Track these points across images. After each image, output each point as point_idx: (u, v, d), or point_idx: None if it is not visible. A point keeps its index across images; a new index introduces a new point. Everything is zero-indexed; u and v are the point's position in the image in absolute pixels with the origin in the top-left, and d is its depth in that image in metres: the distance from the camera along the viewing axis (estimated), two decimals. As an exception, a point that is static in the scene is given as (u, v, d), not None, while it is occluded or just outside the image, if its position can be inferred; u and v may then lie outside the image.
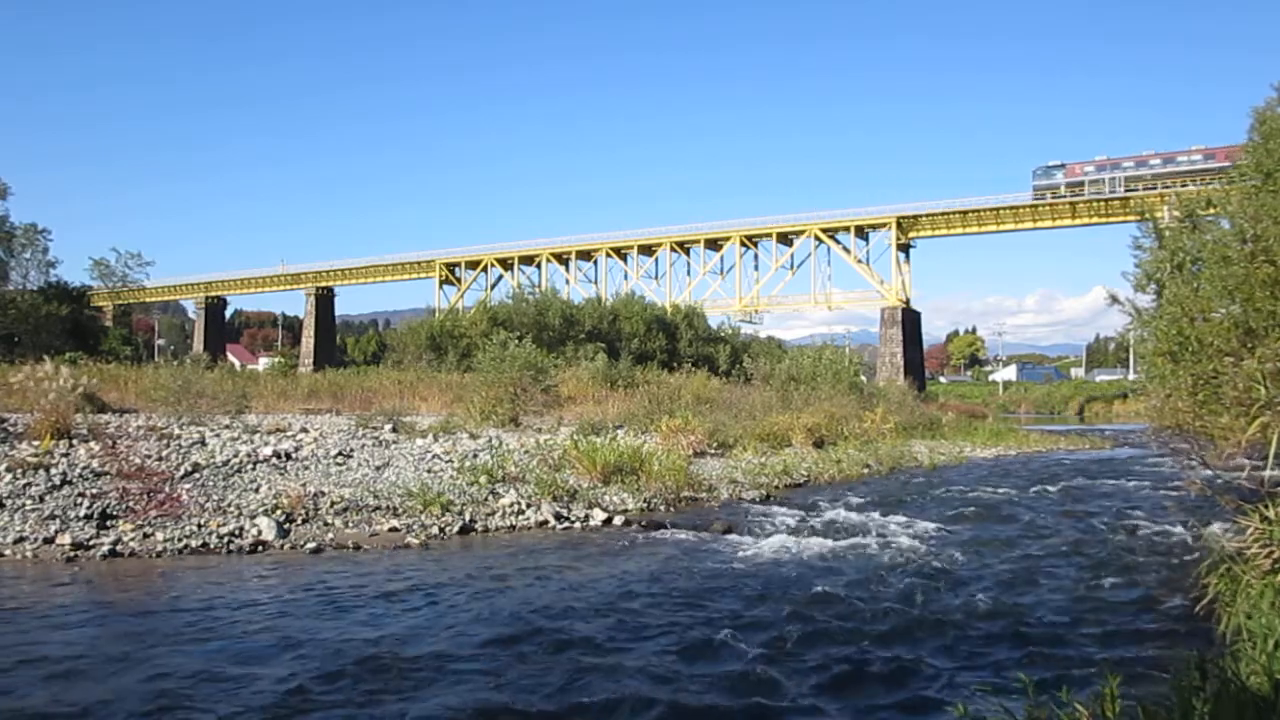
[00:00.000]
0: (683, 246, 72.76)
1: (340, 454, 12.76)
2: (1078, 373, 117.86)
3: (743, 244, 70.23)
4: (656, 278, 73.51)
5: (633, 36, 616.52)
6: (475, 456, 13.28)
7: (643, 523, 11.06)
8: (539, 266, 77.21)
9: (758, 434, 19.01)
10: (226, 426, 14.52)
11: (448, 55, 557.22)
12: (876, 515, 11.61)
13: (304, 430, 14.68)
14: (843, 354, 37.07)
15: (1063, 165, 59.37)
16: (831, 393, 27.52)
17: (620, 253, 74.58)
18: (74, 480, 9.95)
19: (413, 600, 7.05)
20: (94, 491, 9.67)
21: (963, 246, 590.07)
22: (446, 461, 13.03)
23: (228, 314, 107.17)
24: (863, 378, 38.84)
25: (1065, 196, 59.15)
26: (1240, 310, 6.89)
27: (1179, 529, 10.34)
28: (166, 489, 10.02)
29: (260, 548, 8.90)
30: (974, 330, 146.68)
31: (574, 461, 13.28)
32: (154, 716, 4.58)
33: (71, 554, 8.21)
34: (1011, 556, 9.15)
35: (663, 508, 12.24)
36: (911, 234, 64.94)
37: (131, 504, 9.45)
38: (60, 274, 41.66)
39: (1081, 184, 58.43)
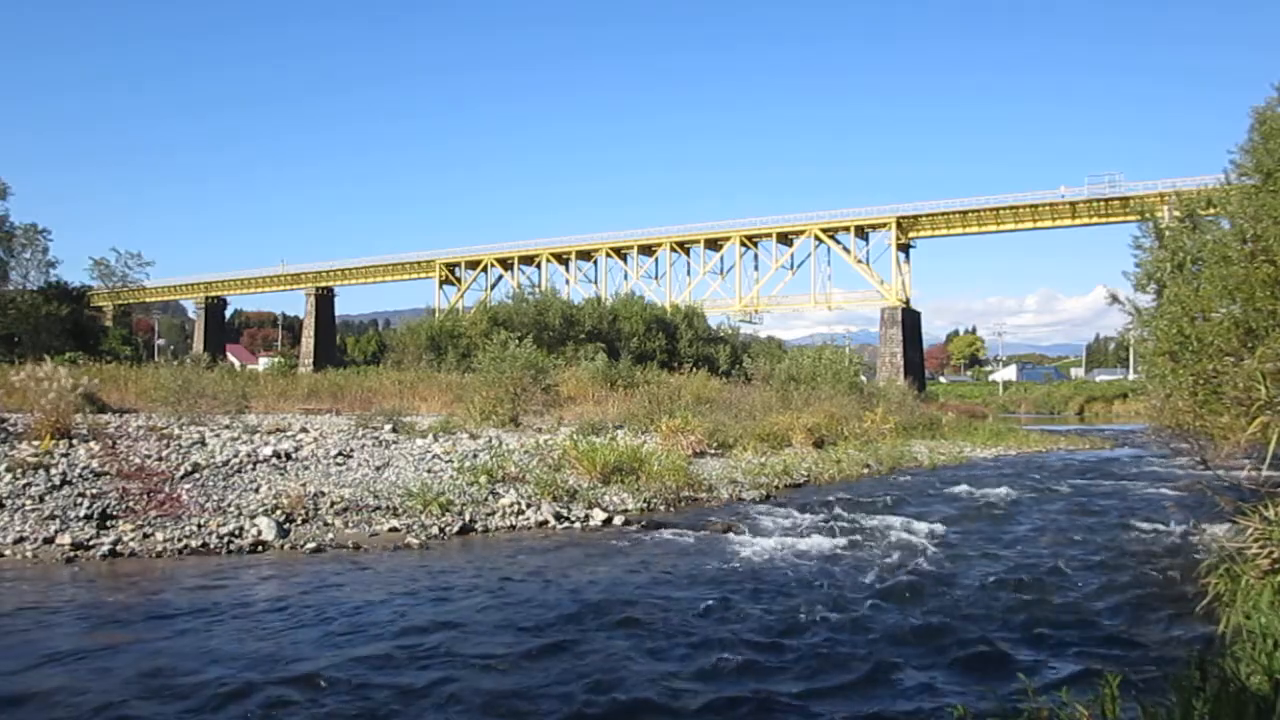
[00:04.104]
0: (683, 246, 72.76)
1: (340, 454, 12.76)
2: (1078, 373, 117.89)
3: (743, 244, 70.25)
4: (656, 278, 73.61)
5: (633, 37, 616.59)
6: (475, 456, 13.28)
7: (643, 523, 11.06)
8: (539, 266, 77.23)
9: (758, 434, 19.01)
10: (226, 426, 14.52)
11: (448, 55, 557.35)
12: (876, 515, 11.61)
13: (304, 430, 14.68)
14: (843, 354, 37.04)
15: None
16: (831, 393, 27.51)
17: (620, 253, 74.59)
18: (74, 480, 9.95)
19: (413, 600, 7.05)
20: (94, 491, 9.67)
21: (963, 246, 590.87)
22: (446, 461, 13.02)
23: (228, 314, 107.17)
24: (863, 378, 38.83)
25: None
26: (1240, 310, 6.90)
27: (1179, 529, 10.34)
28: (166, 489, 10.02)
29: (260, 548, 8.90)
30: (974, 330, 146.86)
31: (574, 461, 13.28)
32: (152, 717, 4.58)
33: (71, 554, 8.21)
34: (1011, 557, 9.15)
35: (663, 508, 12.24)
36: (911, 234, 64.95)
37: (131, 504, 9.45)
38: (60, 274, 41.68)
39: None
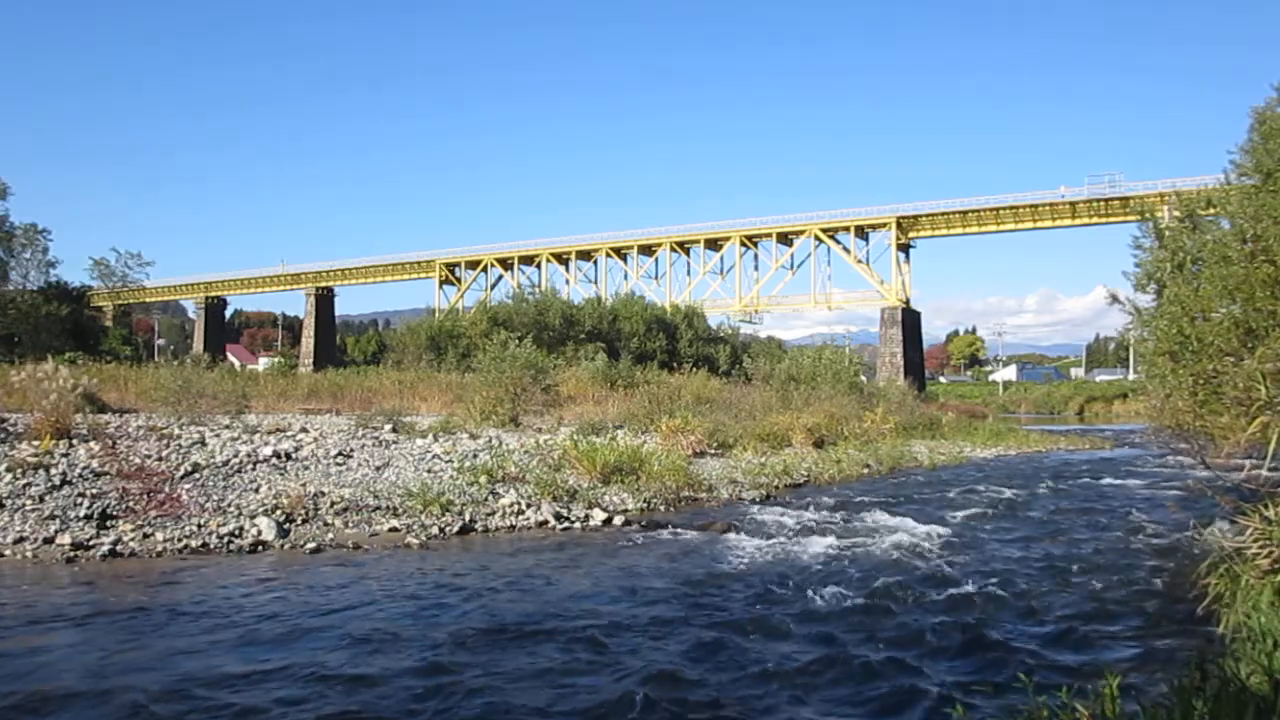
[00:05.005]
0: (683, 246, 72.76)
1: (340, 454, 12.76)
2: (1078, 373, 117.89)
3: (743, 244, 70.25)
4: (656, 278, 73.59)
5: (633, 37, 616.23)
6: (475, 456, 13.28)
7: (643, 523, 11.06)
8: (539, 266, 77.23)
9: (758, 434, 19.01)
10: (226, 426, 14.52)
11: (448, 55, 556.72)
12: (876, 515, 11.61)
13: (304, 430, 14.68)
14: (843, 354, 37.03)
15: None
16: (831, 393, 27.51)
17: (620, 253, 74.59)
18: (74, 480, 9.95)
19: (413, 600, 7.05)
20: (94, 491, 9.67)
21: (963, 246, 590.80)
22: (446, 461, 13.03)
23: (228, 314, 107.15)
24: (863, 378, 38.82)
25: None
26: (1240, 310, 6.90)
27: (1179, 529, 10.33)
28: (166, 489, 10.02)
29: (260, 548, 8.90)
30: (974, 330, 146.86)
31: (574, 461, 13.28)
32: (153, 717, 4.58)
33: (71, 554, 8.21)
34: (1010, 557, 9.15)
35: (663, 508, 12.24)
36: (911, 234, 64.95)
37: (131, 504, 9.45)
38: (60, 274, 41.67)
39: None
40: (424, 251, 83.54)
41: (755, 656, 5.66)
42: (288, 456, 12.18)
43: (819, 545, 9.50)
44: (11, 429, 12.08)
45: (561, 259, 76.89)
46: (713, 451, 17.33)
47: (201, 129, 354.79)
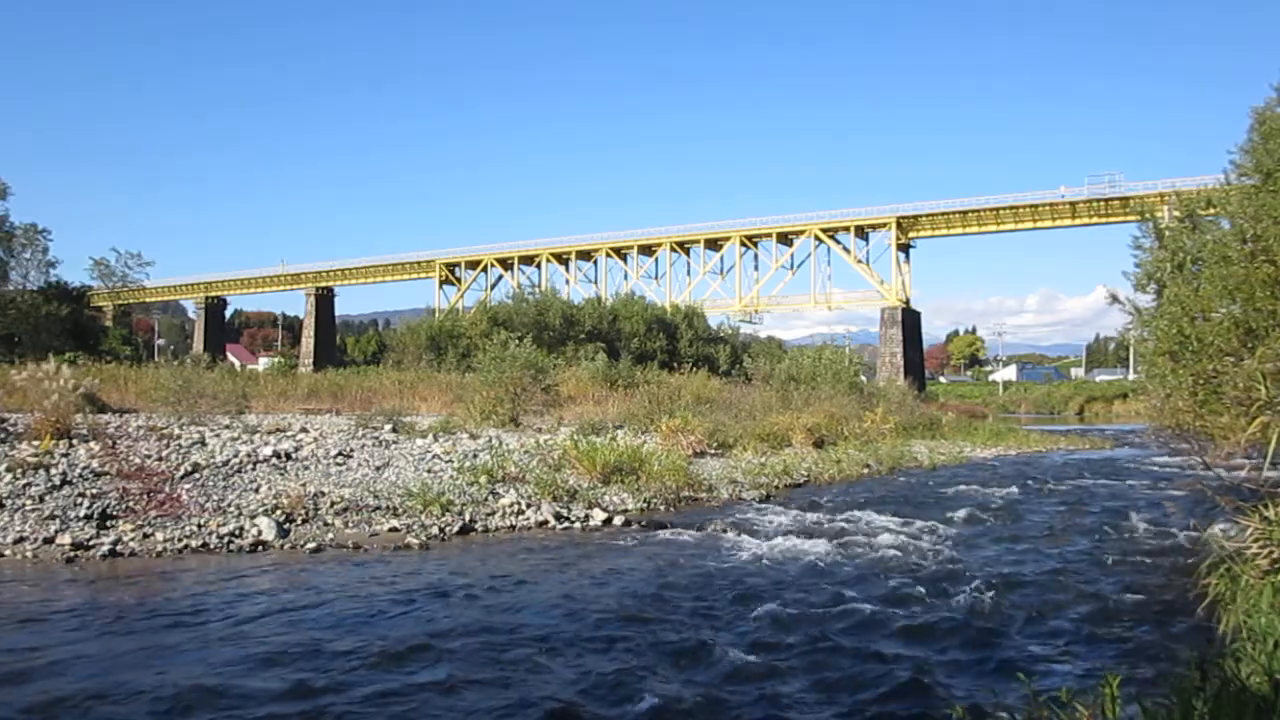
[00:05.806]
0: (683, 246, 72.78)
1: (340, 454, 12.76)
2: (1078, 373, 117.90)
3: (743, 244, 70.27)
4: (656, 278, 73.62)
5: (633, 37, 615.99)
6: (475, 456, 13.28)
7: (643, 523, 11.06)
8: (539, 266, 77.25)
9: (758, 434, 19.01)
10: (226, 426, 14.51)
11: (448, 55, 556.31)
12: (876, 515, 11.61)
13: (304, 430, 14.68)
14: (843, 354, 37.01)
15: None
16: (831, 393, 27.51)
17: (620, 253, 74.61)
18: (74, 480, 9.95)
19: (413, 600, 7.05)
20: (94, 491, 9.67)
21: (963, 246, 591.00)
22: (446, 461, 13.03)
23: (228, 314, 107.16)
24: (863, 378, 38.82)
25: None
26: (1240, 310, 6.90)
27: (1179, 529, 10.34)
28: (166, 489, 10.02)
29: (260, 548, 8.90)
30: (974, 330, 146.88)
31: (574, 461, 13.29)
32: (153, 717, 4.58)
33: (71, 554, 8.21)
34: (1010, 556, 9.16)
35: (663, 508, 12.24)
36: (911, 234, 64.97)
37: (131, 504, 9.45)
38: (60, 274, 41.66)
39: None
40: (424, 251, 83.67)
41: (754, 656, 5.66)
42: (288, 456, 12.18)
43: (818, 545, 9.50)
44: (12, 429, 12.08)
45: (561, 259, 76.90)
46: (713, 451, 17.34)
47: (201, 129, 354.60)
